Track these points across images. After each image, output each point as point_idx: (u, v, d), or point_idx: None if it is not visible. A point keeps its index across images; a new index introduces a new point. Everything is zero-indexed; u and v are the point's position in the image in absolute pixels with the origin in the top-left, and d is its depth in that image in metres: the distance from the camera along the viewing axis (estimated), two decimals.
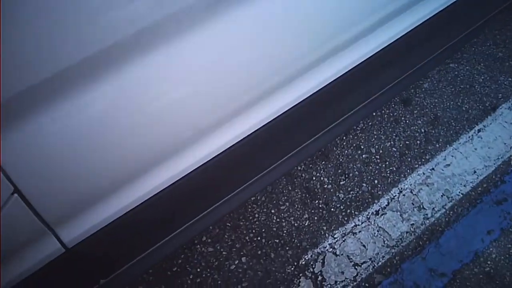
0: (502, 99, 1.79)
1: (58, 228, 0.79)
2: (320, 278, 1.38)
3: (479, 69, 1.90)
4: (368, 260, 1.40)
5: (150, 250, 1.04)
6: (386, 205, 1.52)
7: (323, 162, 1.63)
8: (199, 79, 0.83)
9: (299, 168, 1.61)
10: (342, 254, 1.42)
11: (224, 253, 1.43)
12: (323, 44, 0.99)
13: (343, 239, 1.45)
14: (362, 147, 1.67)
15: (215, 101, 0.88)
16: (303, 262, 1.41)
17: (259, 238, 1.46)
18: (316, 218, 1.50)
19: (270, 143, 1.10)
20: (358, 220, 1.49)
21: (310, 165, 1.62)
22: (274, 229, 1.47)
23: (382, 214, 1.50)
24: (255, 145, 1.02)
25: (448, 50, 1.49)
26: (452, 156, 1.63)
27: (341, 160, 1.63)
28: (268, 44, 0.89)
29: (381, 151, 1.65)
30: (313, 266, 1.40)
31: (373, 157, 1.64)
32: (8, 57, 0.61)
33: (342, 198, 1.54)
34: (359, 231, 1.46)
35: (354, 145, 1.67)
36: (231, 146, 0.95)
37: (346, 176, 1.59)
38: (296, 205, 1.52)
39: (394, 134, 1.70)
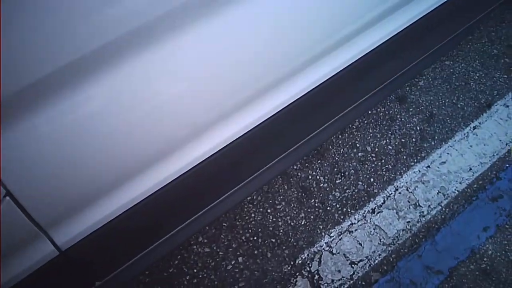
0: (498, 96, 1.79)
1: (51, 230, 0.78)
2: (317, 277, 1.38)
3: (474, 66, 1.90)
4: (365, 258, 1.41)
5: (146, 251, 1.03)
6: (382, 203, 1.52)
7: (319, 161, 1.62)
8: (193, 78, 0.82)
9: (295, 167, 1.61)
10: (338, 253, 1.42)
11: (220, 253, 1.42)
12: (318, 43, 0.99)
13: (340, 237, 1.45)
14: (357, 145, 1.66)
15: (210, 100, 0.87)
16: (300, 261, 1.41)
17: (255, 238, 1.45)
18: (312, 217, 1.50)
19: (266, 142, 1.09)
20: (354, 218, 1.49)
21: (306, 164, 1.61)
22: (271, 228, 1.47)
23: (378, 212, 1.50)
24: (251, 145, 1.01)
25: (443, 48, 1.49)
26: (448, 153, 1.64)
27: (336, 158, 1.63)
28: (262, 43, 0.89)
29: (376, 149, 1.65)
30: (310, 265, 1.40)
31: (368, 155, 1.64)
32: None
33: (338, 197, 1.54)
34: (355, 230, 1.46)
35: (350, 143, 1.67)
36: (226, 146, 0.95)
37: (342, 174, 1.59)
38: (292, 204, 1.52)
39: (390, 132, 1.70)
